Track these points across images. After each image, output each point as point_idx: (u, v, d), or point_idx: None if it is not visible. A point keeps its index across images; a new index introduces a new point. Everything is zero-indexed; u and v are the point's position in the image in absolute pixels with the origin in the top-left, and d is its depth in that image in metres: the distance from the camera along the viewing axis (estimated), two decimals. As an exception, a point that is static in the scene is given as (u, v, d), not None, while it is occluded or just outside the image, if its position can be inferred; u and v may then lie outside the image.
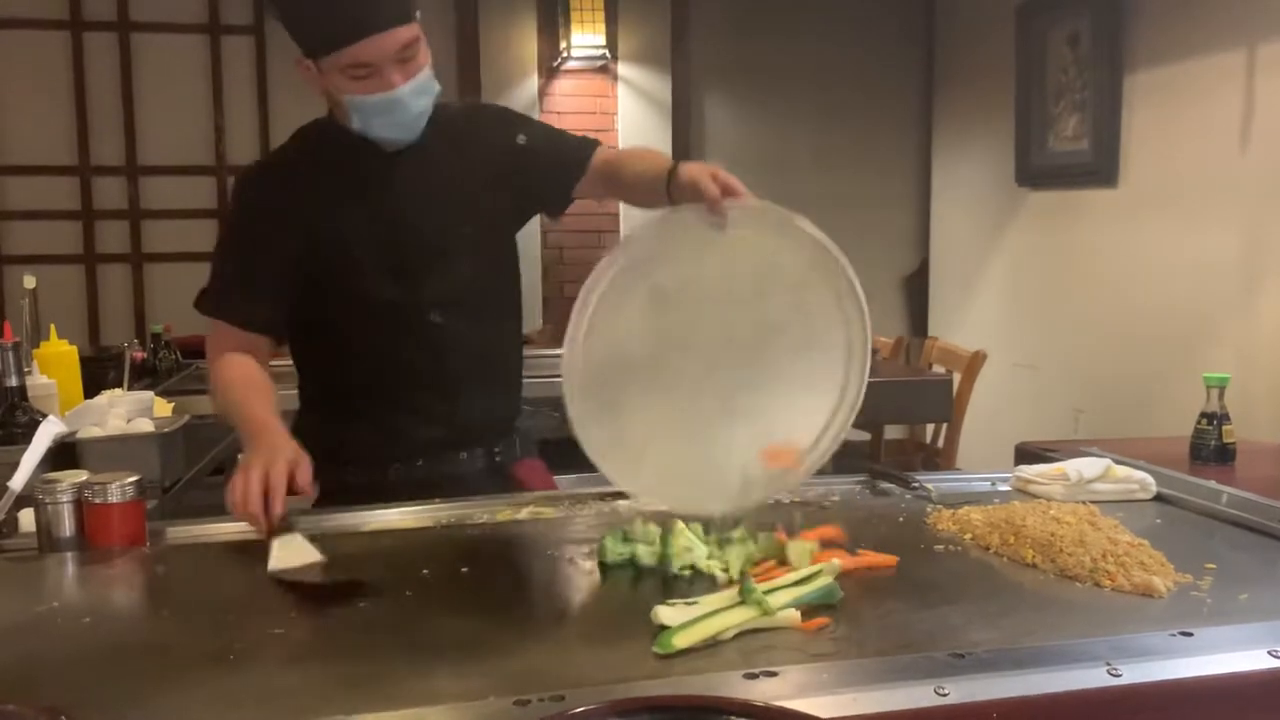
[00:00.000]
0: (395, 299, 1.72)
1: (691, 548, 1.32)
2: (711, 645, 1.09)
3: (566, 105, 5.13)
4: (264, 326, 1.71)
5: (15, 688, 1.02)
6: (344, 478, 1.74)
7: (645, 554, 1.34)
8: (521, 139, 1.80)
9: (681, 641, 1.07)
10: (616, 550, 1.36)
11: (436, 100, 1.69)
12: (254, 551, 1.43)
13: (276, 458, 1.44)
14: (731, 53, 5.38)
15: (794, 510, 1.58)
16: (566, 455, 2.03)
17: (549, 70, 5.10)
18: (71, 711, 0.88)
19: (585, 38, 4.90)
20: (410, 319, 1.74)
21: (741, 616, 1.13)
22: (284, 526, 1.39)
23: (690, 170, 1.50)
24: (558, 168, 1.81)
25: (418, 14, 1.59)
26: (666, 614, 1.13)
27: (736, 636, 1.11)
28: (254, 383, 1.65)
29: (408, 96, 1.60)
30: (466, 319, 1.77)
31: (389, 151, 1.71)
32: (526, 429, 1.96)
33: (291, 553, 1.34)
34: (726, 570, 1.29)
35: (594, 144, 1.83)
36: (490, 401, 1.85)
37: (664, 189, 1.56)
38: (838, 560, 1.30)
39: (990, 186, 5.03)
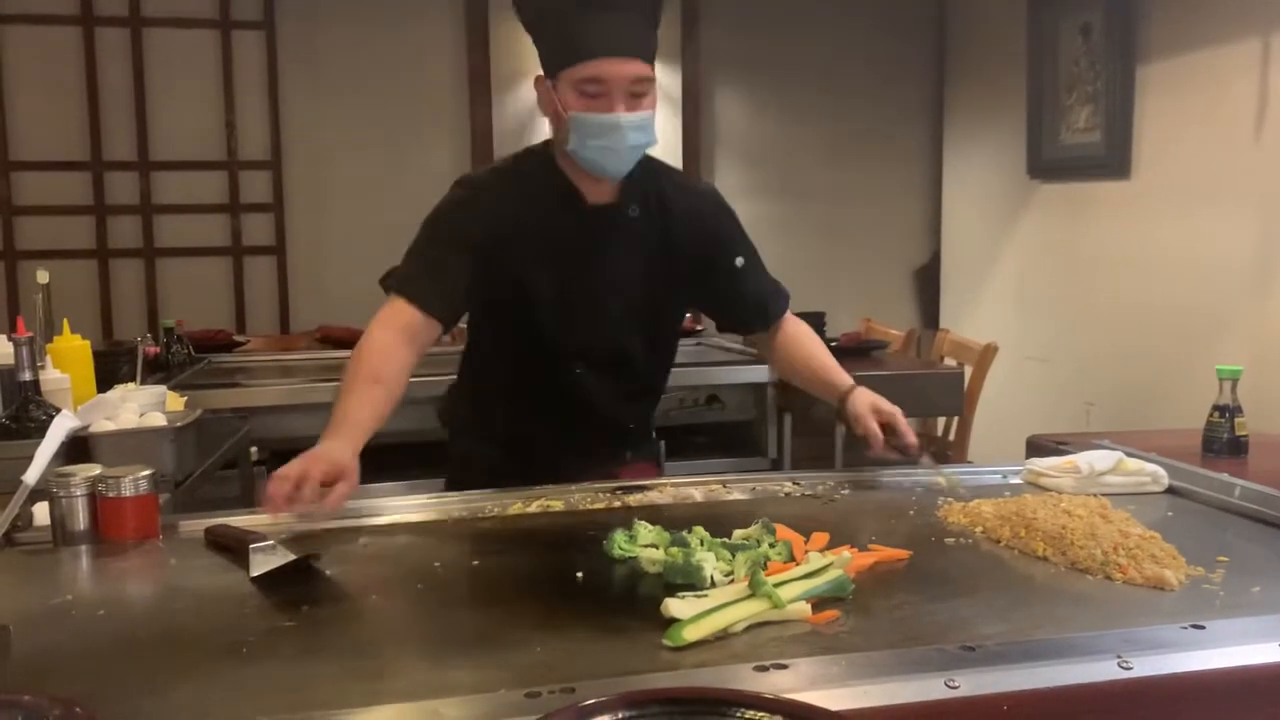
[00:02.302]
0: (547, 344, 1.81)
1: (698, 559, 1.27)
2: (722, 638, 1.09)
3: (576, 99, 5.13)
4: (439, 311, 1.74)
5: (31, 678, 1.03)
6: (471, 447, 1.93)
7: (647, 563, 1.32)
8: (739, 261, 1.89)
9: (692, 634, 1.07)
10: (625, 545, 1.36)
11: (648, 159, 1.78)
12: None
13: (317, 464, 1.47)
14: (741, 46, 5.36)
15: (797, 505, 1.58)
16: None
17: (559, 64, 5.10)
18: (86, 702, 0.89)
19: (595, 31, 4.89)
20: (555, 364, 1.82)
21: (752, 609, 1.13)
22: (259, 538, 1.39)
23: (859, 405, 1.76)
24: (753, 308, 1.94)
25: (654, 64, 1.70)
26: (677, 606, 1.13)
27: (747, 629, 1.11)
28: (377, 376, 1.66)
29: (627, 126, 1.66)
30: (608, 376, 1.84)
31: (592, 203, 1.78)
32: (650, 444, 2.02)
33: (269, 558, 1.34)
34: (731, 576, 1.25)
35: (786, 300, 1.96)
36: (615, 442, 1.93)
37: (836, 407, 1.82)
38: (848, 553, 1.30)
39: (1002, 179, 5.01)
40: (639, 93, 1.67)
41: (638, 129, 1.68)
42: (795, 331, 1.96)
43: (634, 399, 1.93)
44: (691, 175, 1.99)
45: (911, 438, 1.73)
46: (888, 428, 1.74)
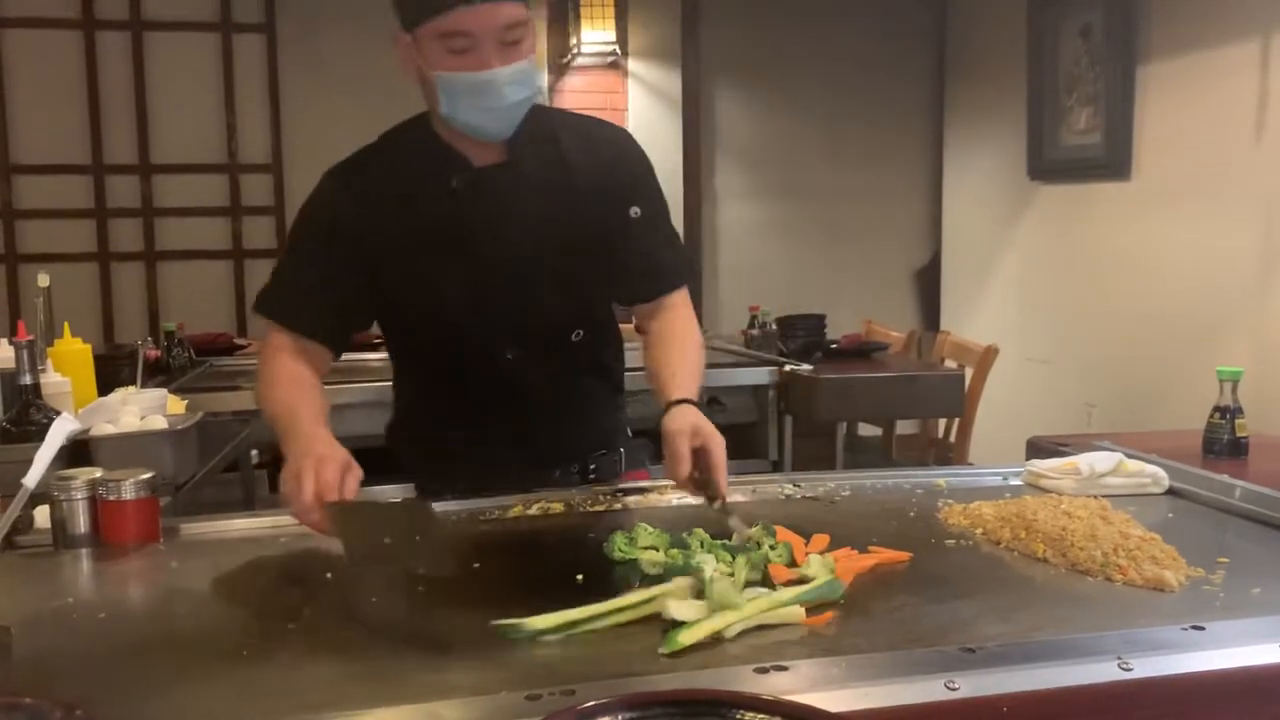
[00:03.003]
0: (465, 329, 1.62)
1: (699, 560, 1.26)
2: (721, 640, 1.09)
3: (577, 101, 5.13)
4: (319, 334, 1.59)
5: (33, 682, 1.03)
6: (441, 490, 1.69)
7: (648, 565, 1.32)
8: (635, 212, 1.65)
9: (687, 639, 1.07)
10: (626, 547, 1.36)
11: (542, 107, 1.60)
12: (267, 547, 1.45)
13: (326, 465, 1.33)
14: (742, 47, 5.36)
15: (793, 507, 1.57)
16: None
17: (559, 66, 5.10)
18: (88, 705, 0.89)
19: (595, 34, 4.90)
20: (481, 352, 1.65)
21: (751, 611, 1.13)
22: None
23: (676, 421, 1.46)
24: (639, 274, 1.68)
25: (529, 2, 1.49)
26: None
27: (747, 631, 1.11)
28: (302, 383, 1.54)
29: (503, 82, 1.46)
30: (543, 358, 1.66)
31: (479, 165, 1.59)
32: (634, 445, 1.86)
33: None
34: (732, 576, 1.25)
35: (681, 276, 1.71)
36: (572, 433, 1.76)
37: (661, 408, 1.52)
38: (830, 557, 1.28)
39: (1002, 180, 5.01)
40: (513, 40, 1.45)
41: (516, 83, 1.47)
42: (669, 327, 1.66)
43: (583, 386, 1.73)
44: (597, 119, 1.74)
45: (722, 483, 1.43)
46: (700, 454, 1.44)
